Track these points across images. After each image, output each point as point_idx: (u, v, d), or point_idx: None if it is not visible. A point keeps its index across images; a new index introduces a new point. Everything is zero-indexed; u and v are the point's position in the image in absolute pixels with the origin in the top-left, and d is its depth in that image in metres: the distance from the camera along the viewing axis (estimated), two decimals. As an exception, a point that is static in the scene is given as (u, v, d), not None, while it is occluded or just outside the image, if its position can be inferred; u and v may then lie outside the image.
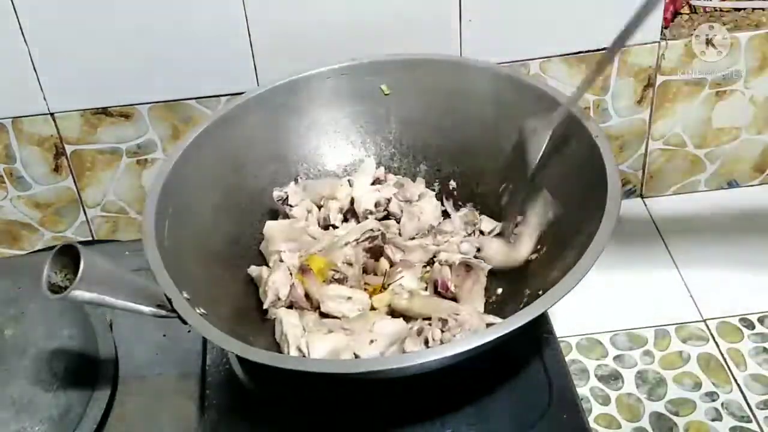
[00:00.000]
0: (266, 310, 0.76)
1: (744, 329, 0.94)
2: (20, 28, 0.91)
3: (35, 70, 0.94)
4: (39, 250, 1.07)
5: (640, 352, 0.92)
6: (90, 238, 1.08)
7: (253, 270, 0.79)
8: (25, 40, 0.92)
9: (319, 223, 0.85)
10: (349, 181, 0.86)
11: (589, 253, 0.63)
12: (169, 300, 0.63)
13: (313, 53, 0.88)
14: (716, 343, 0.93)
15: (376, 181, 0.86)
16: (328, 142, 0.89)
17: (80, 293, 0.58)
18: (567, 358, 0.87)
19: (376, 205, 0.84)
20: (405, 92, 0.87)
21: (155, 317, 0.64)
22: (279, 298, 0.75)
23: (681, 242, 1.06)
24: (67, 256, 0.59)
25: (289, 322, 0.71)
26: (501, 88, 0.84)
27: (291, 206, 0.83)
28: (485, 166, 0.85)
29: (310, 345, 0.68)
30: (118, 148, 1.01)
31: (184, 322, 0.63)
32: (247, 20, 0.93)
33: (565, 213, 0.76)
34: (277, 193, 0.83)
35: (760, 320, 0.95)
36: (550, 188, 0.78)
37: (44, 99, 0.96)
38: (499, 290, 0.78)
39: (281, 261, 0.78)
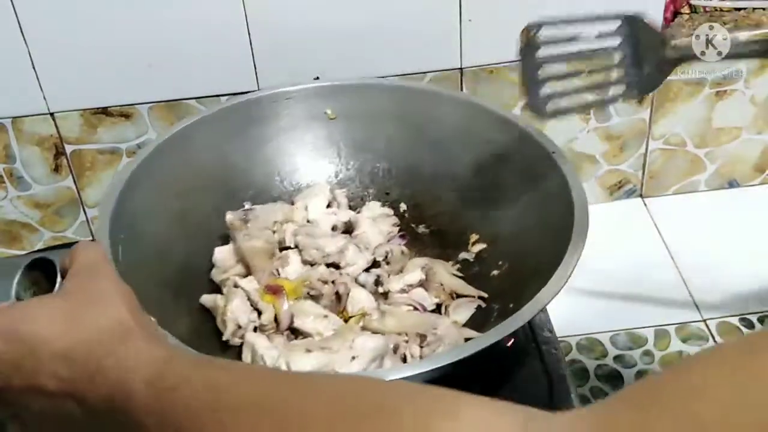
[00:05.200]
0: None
1: (744, 329, 0.94)
2: (20, 28, 0.91)
3: (35, 70, 0.94)
4: (38, 250, 1.07)
5: (640, 352, 0.92)
6: (90, 238, 1.08)
7: (206, 299, 0.76)
8: (25, 40, 0.92)
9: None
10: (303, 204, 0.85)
11: (566, 259, 0.63)
12: None
13: (313, 54, 0.88)
14: (716, 342, 0.93)
15: (330, 204, 0.85)
16: (274, 168, 0.87)
17: None
18: (567, 358, 0.87)
19: (334, 228, 0.83)
20: (351, 116, 0.87)
21: None
22: (239, 327, 0.73)
23: (681, 242, 1.06)
24: (38, 270, 0.55)
25: (262, 346, 0.69)
26: (448, 110, 0.84)
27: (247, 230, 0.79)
28: (436, 189, 0.85)
29: (292, 365, 0.65)
30: (118, 148, 1.01)
31: None
32: (247, 20, 0.93)
33: (525, 227, 0.76)
34: (230, 217, 0.79)
35: (760, 320, 0.94)
36: (507, 203, 0.79)
37: (44, 99, 0.96)
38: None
39: (235, 287, 0.75)
